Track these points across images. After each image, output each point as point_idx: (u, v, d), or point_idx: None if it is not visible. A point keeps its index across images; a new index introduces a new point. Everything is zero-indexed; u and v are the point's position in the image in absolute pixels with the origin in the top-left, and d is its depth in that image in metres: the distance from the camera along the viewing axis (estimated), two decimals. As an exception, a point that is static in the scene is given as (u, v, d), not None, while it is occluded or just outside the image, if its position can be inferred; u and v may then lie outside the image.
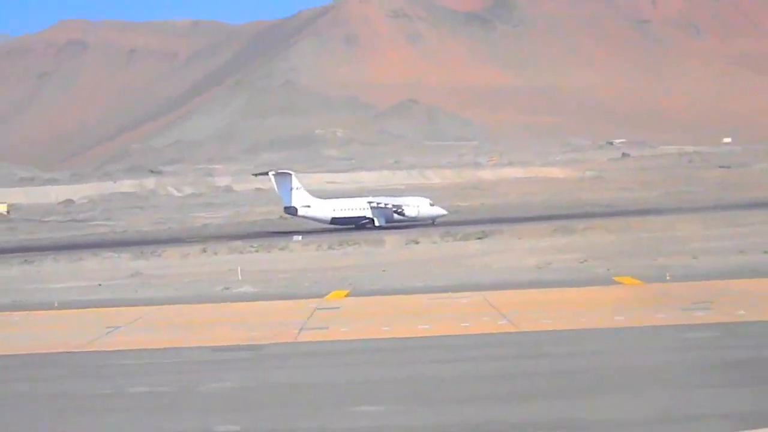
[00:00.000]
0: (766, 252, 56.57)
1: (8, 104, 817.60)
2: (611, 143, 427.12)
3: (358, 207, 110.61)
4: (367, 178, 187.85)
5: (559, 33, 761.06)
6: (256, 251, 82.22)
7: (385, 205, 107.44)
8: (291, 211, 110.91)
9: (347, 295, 44.65)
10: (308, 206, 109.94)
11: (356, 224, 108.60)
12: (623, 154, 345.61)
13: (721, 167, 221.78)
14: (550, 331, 31.12)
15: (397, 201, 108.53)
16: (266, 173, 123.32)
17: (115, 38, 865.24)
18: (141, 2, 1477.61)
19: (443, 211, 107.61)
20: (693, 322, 31.10)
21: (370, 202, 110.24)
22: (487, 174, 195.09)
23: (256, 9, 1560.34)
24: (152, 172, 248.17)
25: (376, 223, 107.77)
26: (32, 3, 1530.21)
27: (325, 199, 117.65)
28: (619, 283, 44.81)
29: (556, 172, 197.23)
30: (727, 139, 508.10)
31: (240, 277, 57.56)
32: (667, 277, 44.29)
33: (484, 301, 38.77)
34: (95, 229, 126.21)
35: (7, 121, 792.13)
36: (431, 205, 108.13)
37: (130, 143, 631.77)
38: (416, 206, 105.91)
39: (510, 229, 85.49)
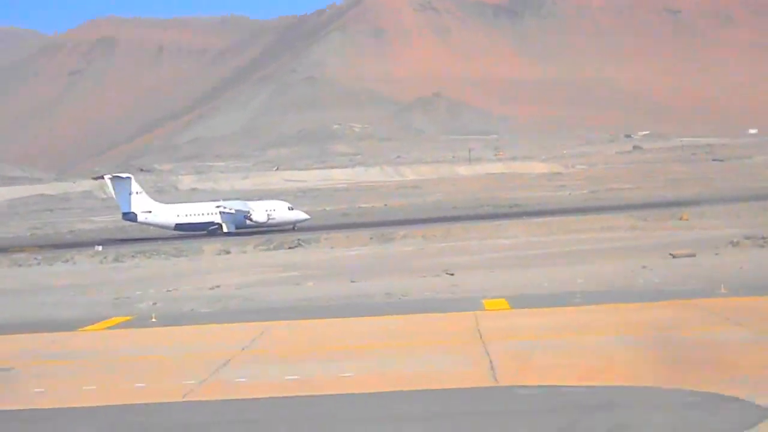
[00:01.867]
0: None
1: (41, 102, 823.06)
2: (629, 136, 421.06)
3: (206, 212, 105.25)
4: (338, 175, 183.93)
5: (589, 25, 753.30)
6: (38, 264, 78.22)
7: (235, 210, 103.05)
8: (130, 217, 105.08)
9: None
10: (149, 212, 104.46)
11: (206, 230, 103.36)
12: (634, 147, 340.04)
13: (714, 160, 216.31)
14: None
15: (249, 206, 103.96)
16: (102, 177, 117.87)
17: (144, 35, 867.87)
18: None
19: (305, 216, 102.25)
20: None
21: (218, 207, 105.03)
22: (464, 170, 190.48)
23: (284, 3, 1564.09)
24: (142, 170, 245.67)
25: (225, 229, 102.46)
26: (64, 1, 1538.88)
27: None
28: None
29: (538, 168, 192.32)
30: (753, 130, 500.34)
31: None
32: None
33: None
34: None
35: (40, 118, 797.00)
36: (290, 209, 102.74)
37: (155, 140, 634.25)
38: (266, 211, 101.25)
39: (333, 236, 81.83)
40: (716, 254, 55.51)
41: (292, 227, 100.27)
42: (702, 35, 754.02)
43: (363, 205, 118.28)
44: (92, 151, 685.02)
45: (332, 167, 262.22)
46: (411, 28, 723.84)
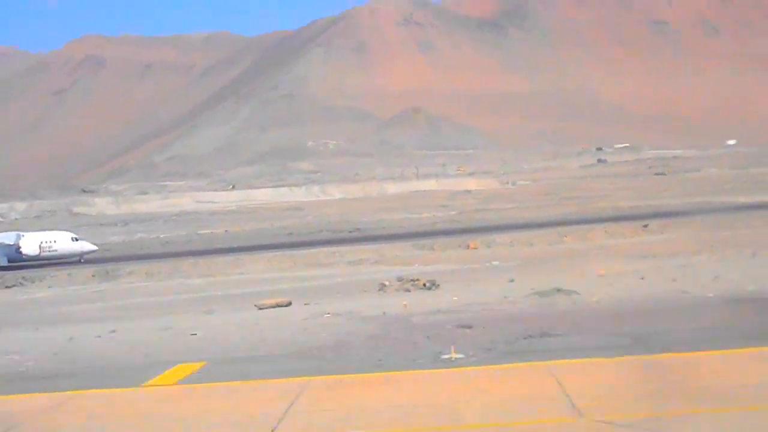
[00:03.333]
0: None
1: (26, 121, 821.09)
2: (600, 149, 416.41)
3: None
4: (260, 195, 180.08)
5: (574, 37, 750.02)
6: None
7: (5, 242, 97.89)
8: None
9: None
10: None
11: None
12: (598, 161, 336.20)
13: (657, 174, 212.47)
14: None
15: (19, 237, 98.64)
16: None
17: (131, 53, 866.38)
18: (158, 16, 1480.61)
19: (91, 247, 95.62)
20: None
21: None
22: (393, 188, 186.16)
23: (270, 20, 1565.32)
24: (84, 191, 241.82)
25: None
26: (51, 20, 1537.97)
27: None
28: None
29: (471, 184, 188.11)
30: (732, 141, 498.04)
31: None
32: None
33: None
34: None
35: (26, 137, 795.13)
36: (75, 240, 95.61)
37: (140, 157, 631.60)
38: (40, 244, 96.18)
39: (58, 274, 75.99)
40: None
41: (78, 259, 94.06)
42: (689, 47, 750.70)
43: (203, 232, 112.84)
44: (80, 170, 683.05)
45: (284, 185, 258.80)
46: (394, 43, 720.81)
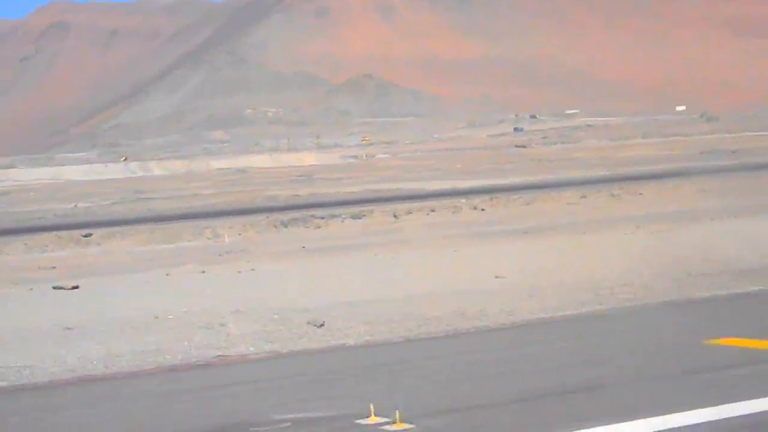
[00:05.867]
0: None
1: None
2: (534, 116, 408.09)
3: None
4: (76, 172, 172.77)
5: (538, 1, 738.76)
6: None
7: None
8: None
9: None
10: None
11: None
12: (515, 129, 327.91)
13: (516, 147, 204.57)
14: None
15: None
16: None
17: (97, 19, 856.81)
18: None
19: None
20: None
21: None
22: (219, 163, 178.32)
23: None
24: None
25: None
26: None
27: None
28: None
29: (308, 159, 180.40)
30: (681, 107, 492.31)
31: None
32: None
33: None
34: None
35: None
36: None
37: (96, 126, 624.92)
38: None
39: None
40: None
41: None
42: (657, 11, 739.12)
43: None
44: (45, 136, 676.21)
45: (182, 158, 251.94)
46: (355, 8, 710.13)
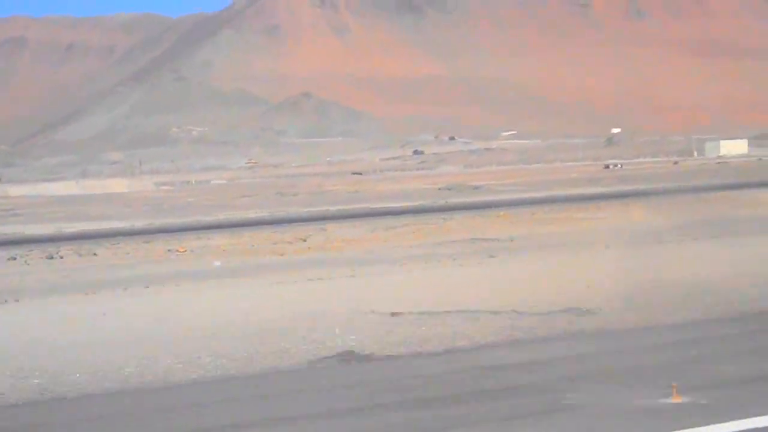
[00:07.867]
0: None
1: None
2: (453, 138, 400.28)
3: None
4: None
5: (495, 20, 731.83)
6: None
7: None
8: None
9: None
10: None
11: None
12: (414, 152, 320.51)
13: (353, 174, 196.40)
14: None
15: None
16: None
17: (54, 34, 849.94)
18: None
19: None
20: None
21: None
22: (20, 190, 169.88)
23: (196, 1, 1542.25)
24: None
25: None
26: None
27: None
28: None
29: (119, 187, 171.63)
30: (616, 130, 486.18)
31: None
32: None
33: None
34: None
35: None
36: None
37: (34, 143, 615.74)
38: None
39: None
40: None
41: None
42: (612, 31, 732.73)
43: None
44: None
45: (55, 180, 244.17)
46: (307, 25, 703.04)
